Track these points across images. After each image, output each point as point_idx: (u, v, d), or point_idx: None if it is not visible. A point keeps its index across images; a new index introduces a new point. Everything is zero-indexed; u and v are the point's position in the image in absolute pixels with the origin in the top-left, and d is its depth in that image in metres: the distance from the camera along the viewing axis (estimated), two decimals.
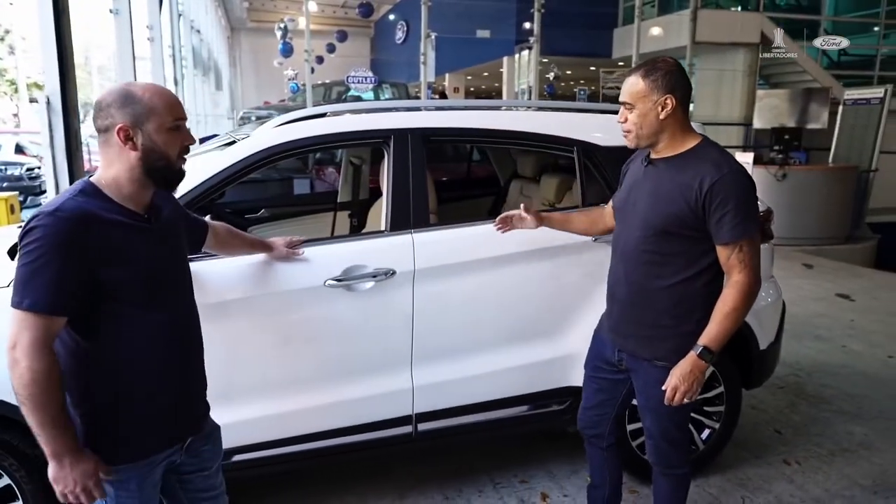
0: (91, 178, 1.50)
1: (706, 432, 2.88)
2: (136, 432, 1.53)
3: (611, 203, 2.23)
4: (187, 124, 1.56)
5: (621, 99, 1.93)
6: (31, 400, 1.36)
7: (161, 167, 1.49)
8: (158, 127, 1.47)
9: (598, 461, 2.34)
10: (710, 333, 1.86)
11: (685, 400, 1.88)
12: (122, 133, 1.45)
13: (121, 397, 1.50)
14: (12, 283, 1.40)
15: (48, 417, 1.37)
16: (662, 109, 1.86)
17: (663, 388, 1.91)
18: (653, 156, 1.98)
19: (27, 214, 8.98)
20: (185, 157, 1.56)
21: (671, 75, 1.86)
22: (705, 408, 2.84)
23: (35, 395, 1.35)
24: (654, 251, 1.92)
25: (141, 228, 1.50)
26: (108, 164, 1.49)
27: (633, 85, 1.89)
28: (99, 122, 1.47)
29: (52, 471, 1.41)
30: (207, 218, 2.08)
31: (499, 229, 2.30)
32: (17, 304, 1.36)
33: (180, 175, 1.55)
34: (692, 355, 1.87)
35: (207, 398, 1.75)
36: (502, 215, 2.28)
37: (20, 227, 3.25)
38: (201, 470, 1.74)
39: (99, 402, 1.49)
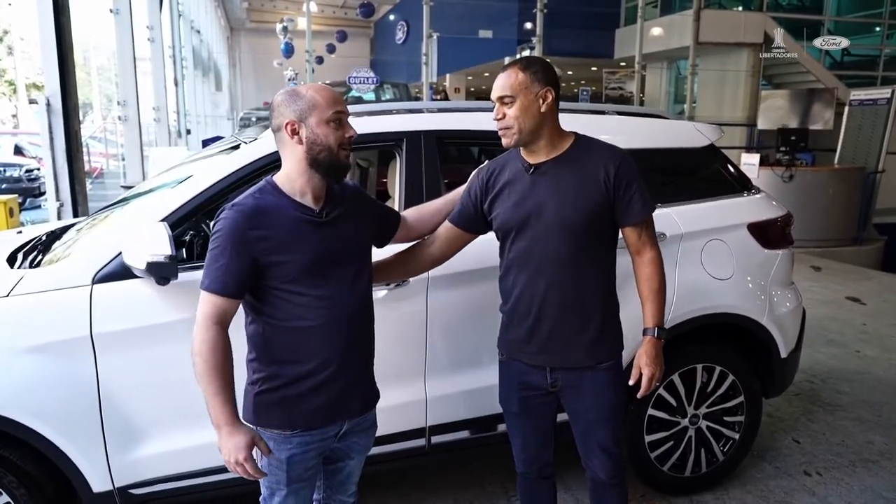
0: (273, 176, 1.66)
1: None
2: (291, 403, 1.63)
3: (450, 226, 2.01)
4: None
5: (499, 94, 1.79)
6: (196, 368, 1.53)
7: (324, 158, 1.61)
8: (319, 120, 1.59)
9: (547, 493, 2.13)
10: (654, 312, 1.89)
11: (656, 384, 1.89)
12: (290, 127, 1.60)
13: (281, 369, 1.63)
14: None
15: (209, 387, 1.52)
16: (543, 102, 1.79)
17: (631, 383, 1.90)
18: (532, 161, 1.86)
19: (26, 217, 8.89)
20: (348, 149, 1.65)
21: (548, 70, 1.82)
22: (725, 418, 2.76)
23: (198, 364, 1.53)
24: (578, 251, 1.83)
25: (309, 221, 1.62)
26: (284, 161, 1.65)
27: (511, 77, 1.78)
28: (273, 121, 1.64)
29: (217, 439, 1.55)
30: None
31: None
32: (202, 284, 1.57)
33: (344, 166, 1.65)
34: (651, 339, 1.88)
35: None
36: None
37: (19, 231, 3.17)
38: (345, 457, 1.82)
39: (265, 372, 1.64)
